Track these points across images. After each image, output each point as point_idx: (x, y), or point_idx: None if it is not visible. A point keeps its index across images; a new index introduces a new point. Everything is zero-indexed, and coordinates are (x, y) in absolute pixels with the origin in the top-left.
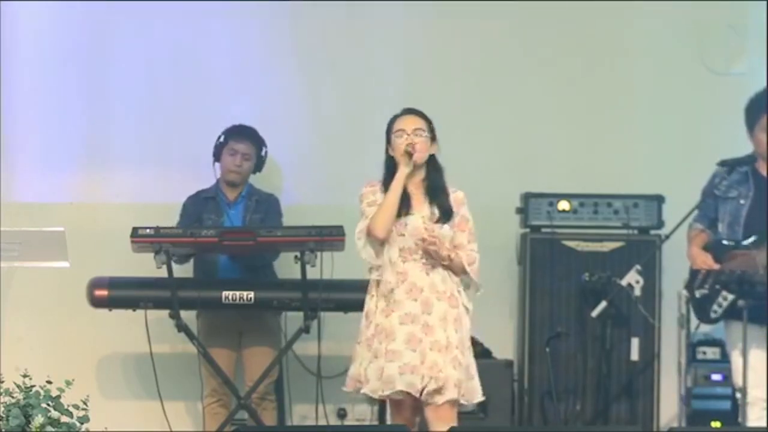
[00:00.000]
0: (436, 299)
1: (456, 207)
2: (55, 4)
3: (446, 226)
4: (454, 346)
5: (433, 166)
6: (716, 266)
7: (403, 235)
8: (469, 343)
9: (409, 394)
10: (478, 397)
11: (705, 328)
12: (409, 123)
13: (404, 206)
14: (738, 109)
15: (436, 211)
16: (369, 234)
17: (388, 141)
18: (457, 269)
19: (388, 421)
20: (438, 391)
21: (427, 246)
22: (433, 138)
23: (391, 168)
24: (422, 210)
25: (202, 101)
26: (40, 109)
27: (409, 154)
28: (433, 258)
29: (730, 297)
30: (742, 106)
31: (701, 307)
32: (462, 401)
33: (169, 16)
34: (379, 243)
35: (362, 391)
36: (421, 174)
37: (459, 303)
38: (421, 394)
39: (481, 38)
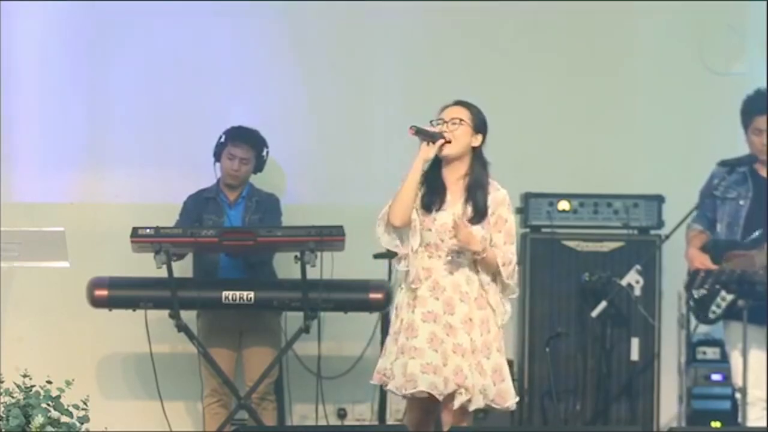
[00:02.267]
0: (459, 300)
1: (493, 206)
2: (55, 4)
3: (478, 227)
4: (479, 351)
5: (477, 160)
6: (714, 267)
7: (430, 230)
8: (498, 345)
9: (430, 394)
10: (511, 400)
11: (705, 328)
12: (450, 112)
13: (438, 200)
14: (738, 109)
15: (470, 210)
16: (387, 221)
17: None
18: (489, 267)
19: (389, 421)
20: (468, 400)
21: (458, 238)
22: (478, 130)
23: (433, 160)
24: (456, 207)
25: (203, 101)
26: (40, 109)
27: (426, 141)
28: (462, 252)
29: (729, 297)
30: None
31: (700, 308)
32: (493, 405)
33: (170, 16)
34: (398, 231)
35: (387, 388)
36: (463, 168)
37: (486, 304)
38: (450, 399)
39: (482, 38)
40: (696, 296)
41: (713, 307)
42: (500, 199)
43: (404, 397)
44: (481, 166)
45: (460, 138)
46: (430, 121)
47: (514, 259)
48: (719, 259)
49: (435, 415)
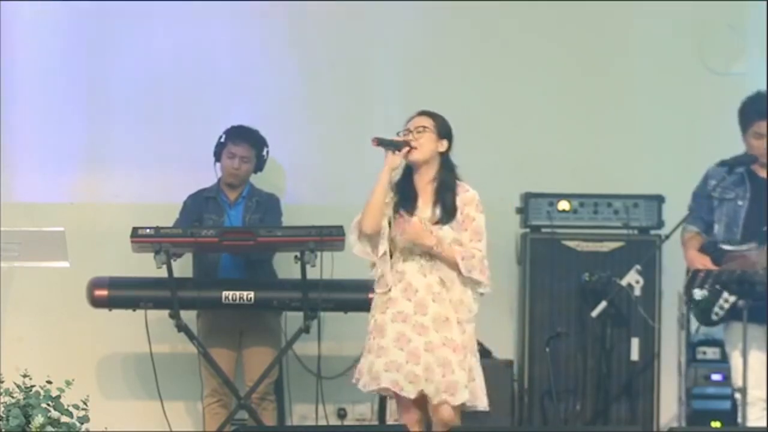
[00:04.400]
0: (432, 300)
1: (461, 206)
2: (55, 4)
3: (446, 227)
4: (459, 349)
5: (444, 166)
6: (715, 267)
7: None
8: (471, 347)
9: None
10: (482, 399)
11: (704, 328)
12: (415, 122)
13: (410, 206)
14: (737, 108)
15: (438, 211)
16: (360, 230)
17: None
18: (449, 263)
19: (389, 421)
20: (446, 392)
21: (406, 233)
22: (443, 136)
23: (404, 168)
24: (426, 210)
25: (203, 101)
26: (40, 109)
27: (392, 150)
28: (423, 250)
29: (732, 299)
30: None
31: (702, 310)
32: (466, 404)
33: (170, 16)
34: (369, 239)
35: (358, 387)
36: (431, 173)
37: (460, 307)
38: (432, 398)
39: (481, 38)
40: (697, 298)
41: (716, 309)
42: (468, 198)
43: (394, 397)
44: (449, 169)
45: (425, 144)
46: (397, 132)
47: (480, 254)
48: (718, 261)
49: (425, 416)
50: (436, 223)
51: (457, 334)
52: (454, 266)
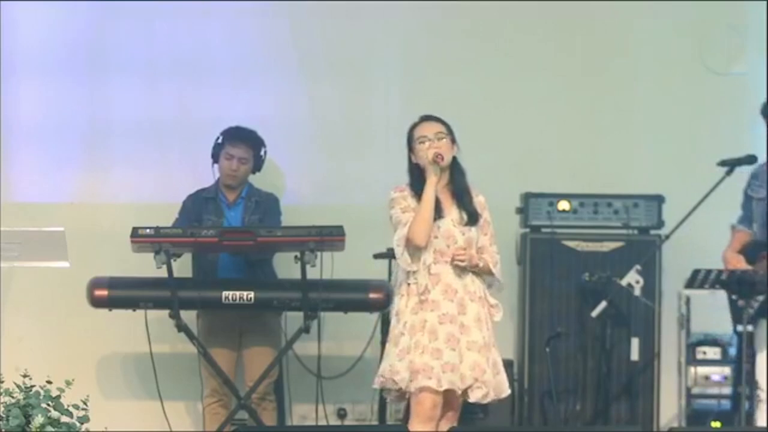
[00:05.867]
0: (470, 300)
1: (479, 210)
2: (55, 4)
3: (474, 229)
4: (490, 346)
5: (456, 169)
6: (749, 267)
7: (437, 237)
8: (493, 341)
9: (449, 390)
10: (506, 391)
11: (704, 328)
12: (431, 128)
13: (436, 211)
14: (738, 109)
15: (464, 215)
16: (409, 243)
17: (410, 149)
18: (484, 272)
19: (389, 421)
20: (484, 395)
21: (458, 262)
22: (453, 141)
23: (416, 174)
24: (451, 213)
25: (202, 101)
26: (40, 109)
27: (436, 163)
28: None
29: (761, 297)
30: (742, 106)
31: (737, 309)
32: (494, 398)
33: (169, 15)
34: (417, 250)
35: (392, 387)
36: (446, 177)
37: (486, 303)
38: (463, 393)
39: (482, 38)
40: (734, 298)
41: (748, 309)
42: (482, 203)
43: (405, 394)
44: (461, 173)
45: (448, 150)
46: (416, 140)
47: (499, 257)
48: (753, 260)
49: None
50: (465, 225)
51: (485, 331)
52: (487, 272)
